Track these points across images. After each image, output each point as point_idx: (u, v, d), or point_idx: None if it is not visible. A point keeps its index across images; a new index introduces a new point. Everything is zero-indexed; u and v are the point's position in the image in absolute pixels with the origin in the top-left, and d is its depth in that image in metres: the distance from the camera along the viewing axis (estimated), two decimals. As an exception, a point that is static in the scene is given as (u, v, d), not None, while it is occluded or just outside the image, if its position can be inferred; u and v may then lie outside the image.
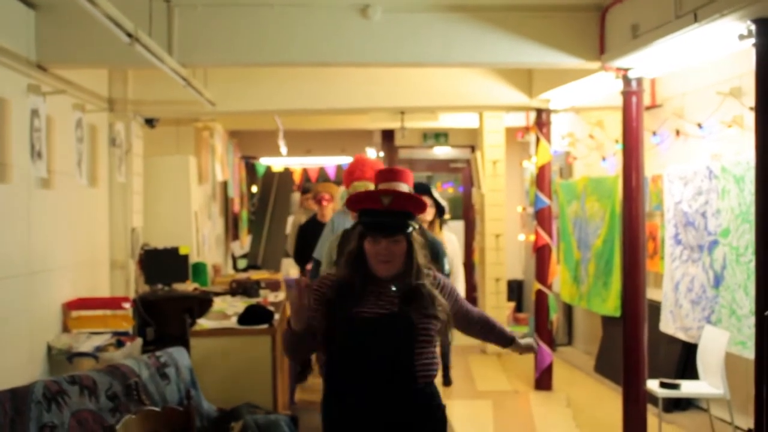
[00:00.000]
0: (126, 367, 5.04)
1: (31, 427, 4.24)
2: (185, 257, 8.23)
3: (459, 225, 14.03)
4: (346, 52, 6.11)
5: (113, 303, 6.73)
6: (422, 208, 3.31)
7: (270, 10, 5.97)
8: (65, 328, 6.23)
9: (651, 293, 6.94)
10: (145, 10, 5.47)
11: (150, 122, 8.34)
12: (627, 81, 6.34)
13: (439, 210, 6.72)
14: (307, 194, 9.64)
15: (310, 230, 8.43)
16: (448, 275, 4.45)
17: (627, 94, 6.37)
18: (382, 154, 13.60)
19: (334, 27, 6.03)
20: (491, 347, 10.66)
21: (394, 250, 3.20)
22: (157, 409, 4.64)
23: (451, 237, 7.18)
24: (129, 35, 4.60)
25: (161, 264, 8.10)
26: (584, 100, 8.27)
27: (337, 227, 5.42)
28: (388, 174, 4.38)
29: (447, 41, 6.08)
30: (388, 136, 13.52)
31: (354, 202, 3.30)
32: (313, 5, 5.98)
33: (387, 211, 3.20)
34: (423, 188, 6.64)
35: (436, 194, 6.67)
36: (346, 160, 14.36)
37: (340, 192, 7.97)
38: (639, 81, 6.35)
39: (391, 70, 8.09)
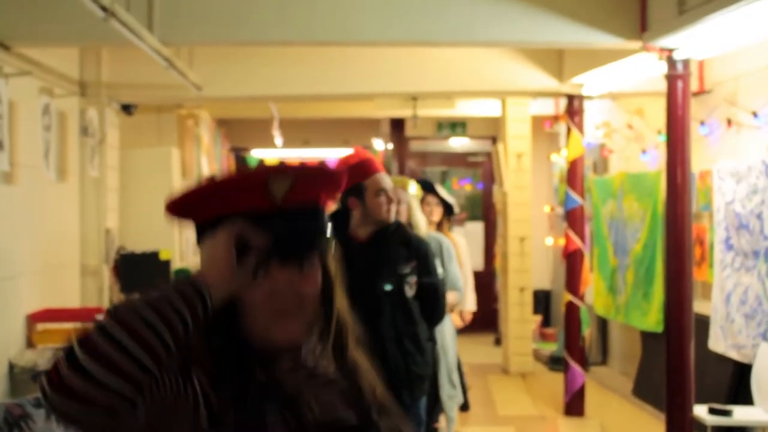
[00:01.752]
0: (99, 388, 5.01)
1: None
2: (166, 263, 8.21)
3: (478, 227, 14.00)
4: (351, 30, 6.08)
5: (84, 314, 6.69)
6: (338, 185, 2.09)
7: (263, -19, 5.96)
8: (29, 343, 6.21)
9: (698, 306, 6.89)
10: (122, -20, 5.43)
11: (127, 109, 8.32)
12: (672, 63, 6.30)
13: (447, 209, 6.75)
14: None
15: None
16: (439, 280, 4.64)
17: (672, 78, 6.33)
18: (390, 146, 13.59)
19: (337, 0, 6.01)
20: (514, 366, 10.64)
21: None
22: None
23: (460, 241, 7.18)
24: (104, 9, 4.57)
25: (139, 270, 8.07)
26: (622, 85, 8.24)
27: None
28: (376, 164, 4.60)
29: (468, 17, 6.05)
30: (397, 125, 13.51)
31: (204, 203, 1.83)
32: (312, -25, 5.96)
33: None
34: (426, 185, 6.65)
35: (441, 191, 6.68)
36: (348, 152, 14.33)
37: None
38: (686, 63, 6.31)
39: (402, 51, 8.06)
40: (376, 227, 4.45)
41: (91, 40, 6.15)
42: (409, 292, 4.43)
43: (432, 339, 4.72)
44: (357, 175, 4.37)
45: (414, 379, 4.41)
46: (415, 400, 4.46)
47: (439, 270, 4.60)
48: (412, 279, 4.43)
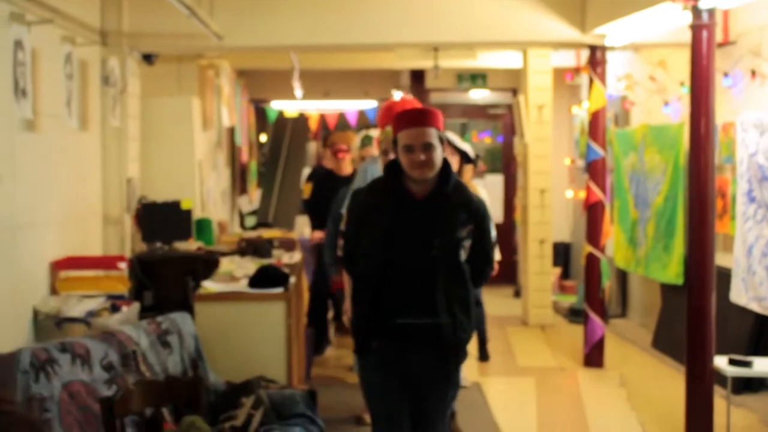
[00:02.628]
0: (123, 334, 5.06)
1: (16, 399, 4.27)
2: (188, 212, 8.24)
3: (498, 179, 14.00)
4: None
5: (107, 262, 6.75)
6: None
7: (286, -72, 5.92)
8: (53, 290, 6.26)
9: (719, 258, 6.88)
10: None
11: (148, 58, 8.31)
12: (697, 12, 6.23)
13: (464, 157, 6.63)
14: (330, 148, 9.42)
15: (328, 185, 8.42)
16: (492, 245, 4.43)
17: (696, 28, 6.27)
18: (411, 96, 13.56)
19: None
20: (534, 318, 10.67)
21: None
22: (159, 380, 4.68)
23: (482, 192, 7.14)
24: (126, -45, 4.57)
25: (160, 219, 8.11)
26: (645, 36, 8.17)
27: (371, 176, 5.43)
28: (412, 117, 4.22)
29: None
30: (417, 77, 13.46)
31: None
32: None
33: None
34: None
35: (453, 138, 6.57)
36: (369, 104, 14.32)
37: (358, 139, 7.91)
38: (711, 12, 6.24)
39: (423, 0, 8.03)
40: (428, 185, 4.20)
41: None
42: (463, 255, 4.25)
43: (479, 302, 4.64)
44: (394, 128, 4.26)
45: (460, 344, 4.30)
46: (458, 365, 4.37)
47: (493, 234, 4.39)
48: (467, 243, 4.25)
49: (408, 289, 4.19)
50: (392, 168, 4.26)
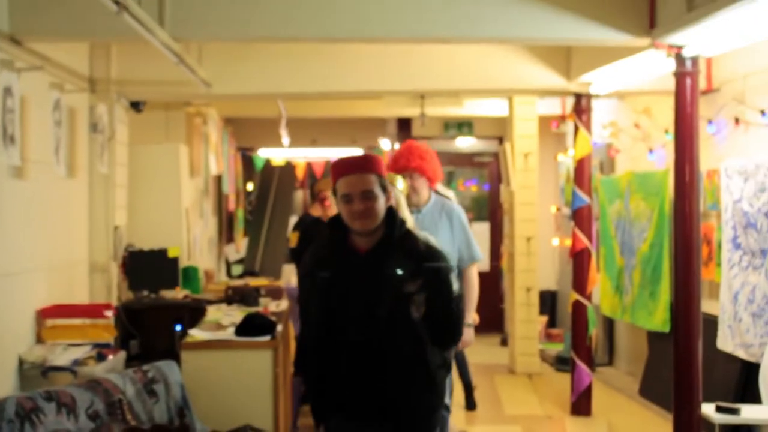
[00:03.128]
0: (109, 383, 5.03)
1: (1, 449, 4.23)
2: (174, 260, 8.23)
3: (484, 227, 14.01)
4: (359, 26, 6.09)
5: (93, 311, 6.72)
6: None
7: (274, -23, 5.96)
8: (39, 339, 6.21)
9: (705, 305, 6.89)
10: (133, -25, 5.44)
11: (136, 105, 8.33)
12: (681, 60, 6.31)
13: None
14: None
15: (315, 234, 8.40)
16: (456, 298, 3.97)
17: (680, 75, 6.34)
18: (397, 145, 13.60)
19: (347, -3, 6.03)
20: (521, 366, 10.64)
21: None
22: (145, 429, 4.65)
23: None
24: (117, 3, 4.59)
25: (147, 267, 8.09)
26: (630, 83, 8.24)
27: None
28: (349, 164, 3.92)
29: (476, 13, 6.06)
30: (404, 125, 13.53)
31: None
32: (323, -29, 5.97)
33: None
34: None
35: (439, 188, 6.36)
36: (356, 151, 14.36)
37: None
38: (695, 60, 6.31)
39: (410, 48, 8.08)
40: (374, 238, 3.86)
41: (103, 35, 6.16)
42: (416, 313, 3.80)
43: (446, 365, 3.99)
44: (332, 177, 3.94)
45: (423, 420, 3.90)
46: None
47: (455, 286, 3.92)
48: (420, 297, 3.81)
49: (356, 361, 3.81)
50: (336, 222, 3.94)
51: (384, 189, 3.87)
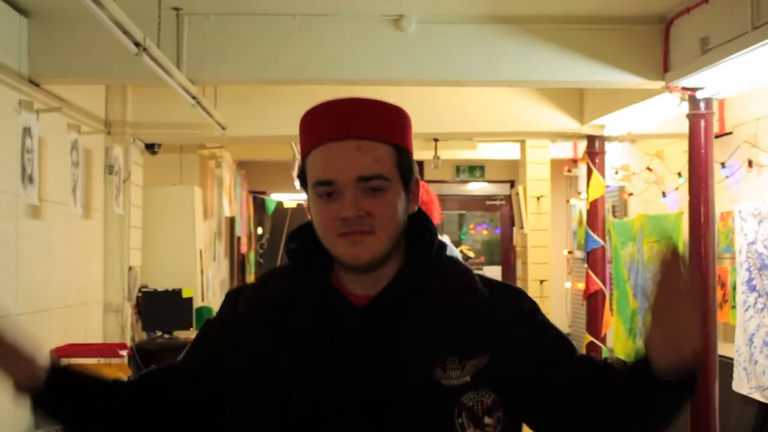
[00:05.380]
0: (124, 421, 5.01)
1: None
2: (188, 301, 8.23)
3: (496, 271, 13.99)
4: (377, 68, 6.14)
5: (108, 350, 6.72)
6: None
7: (291, 20, 6.00)
8: (53, 378, 6.20)
9: (720, 348, 6.86)
10: (152, 18, 5.51)
11: (151, 147, 8.38)
12: (694, 102, 6.33)
13: None
14: None
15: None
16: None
17: (694, 118, 6.35)
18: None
19: (363, 39, 6.07)
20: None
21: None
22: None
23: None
24: (137, 44, 4.64)
25: (161, 308, 8.10)
26: (643, 126, 8.26)
27: None
28: (331, 117, 1.99)
29: (490, 57, 6.10)
30: (416, 168, 13.53)
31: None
32: (339, 15, 6.02)
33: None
34: None
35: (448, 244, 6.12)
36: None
37: None
38: (708, 103, 6.34)
39: (424, 91, 8.12)
40: (378, 274, 1.88)
41: (120, 77, 6.22)
42: (472, 421, 1.81)
43: None
44: (301, 142, 2.04)
45: None
46: None
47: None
48: (485, 397, 1.82)
49: None
50: (303, 244, 1.97)
51: (407, 176, 1.90)
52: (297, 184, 1.95)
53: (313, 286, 1.89)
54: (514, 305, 1.96)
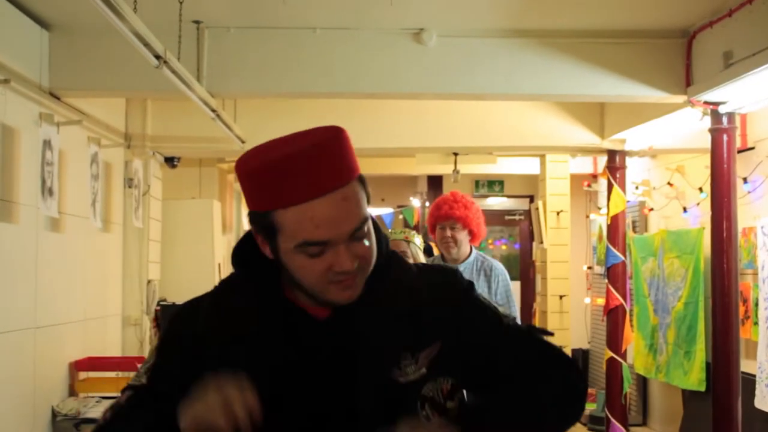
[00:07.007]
0: (142, 435, 4.99)
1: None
2: (206, 315, 8.20)
3: (515, 286, 13.91)
4: (397, 82, 6.13)
5: (126, 364, 6.71)
6: None
7: (311, 34, 6.01)
8: (72, 392, 6.22)
9: (743, 364, 6.80)
10: (173, 31, 5.52)
11: (170, 161, 8.40)
12: (717, 117, 6.29)
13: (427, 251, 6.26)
14: None
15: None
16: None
17: (717, 132, 6.31)
18: (428, 204, 13.60)
19: (383, 53, 6.06)
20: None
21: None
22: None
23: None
24: (157, 57, 4.64)
25: (179, 322, 8.07)
26: (664, 141, 8.21)
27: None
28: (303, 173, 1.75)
29: (511, 70, 6.09)
30: (434, 183, 13.52)
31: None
32: (360, 28, 6.02)
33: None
34: (426, 250, 6.05)
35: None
36: (384, 211, 14.37)
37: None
38: (731, 117, 6.29)
39: (444, 105, 8.11)
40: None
41: (140, 90, 6.22)
42: (436, 409, 1.88)
43: None
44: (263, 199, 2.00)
45: None
46: None
47: (514, 310, 2.08)
48: (444, 384, 1.89)
49: None
50: (254, 267, 1.92)
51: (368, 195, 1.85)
52: (251, 227, 1.87)
53: (275, 303, 1.88)
54: (454, 285, 1.99)
